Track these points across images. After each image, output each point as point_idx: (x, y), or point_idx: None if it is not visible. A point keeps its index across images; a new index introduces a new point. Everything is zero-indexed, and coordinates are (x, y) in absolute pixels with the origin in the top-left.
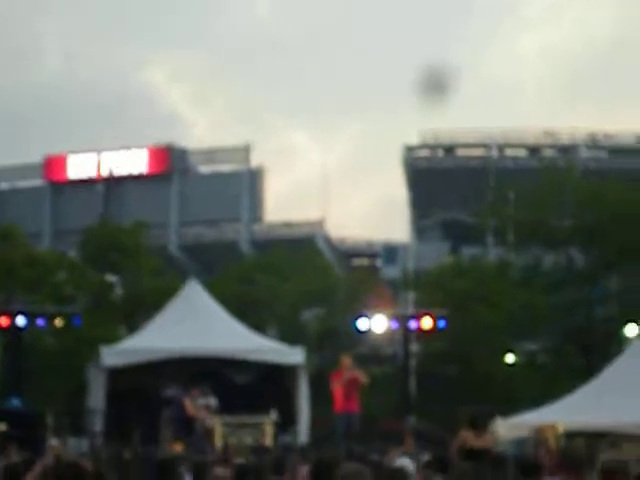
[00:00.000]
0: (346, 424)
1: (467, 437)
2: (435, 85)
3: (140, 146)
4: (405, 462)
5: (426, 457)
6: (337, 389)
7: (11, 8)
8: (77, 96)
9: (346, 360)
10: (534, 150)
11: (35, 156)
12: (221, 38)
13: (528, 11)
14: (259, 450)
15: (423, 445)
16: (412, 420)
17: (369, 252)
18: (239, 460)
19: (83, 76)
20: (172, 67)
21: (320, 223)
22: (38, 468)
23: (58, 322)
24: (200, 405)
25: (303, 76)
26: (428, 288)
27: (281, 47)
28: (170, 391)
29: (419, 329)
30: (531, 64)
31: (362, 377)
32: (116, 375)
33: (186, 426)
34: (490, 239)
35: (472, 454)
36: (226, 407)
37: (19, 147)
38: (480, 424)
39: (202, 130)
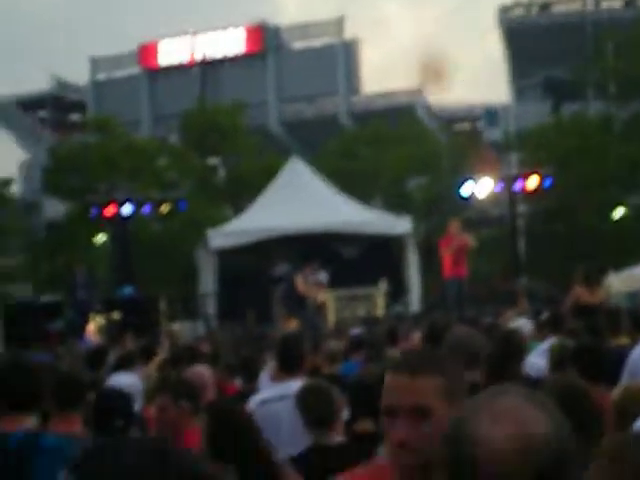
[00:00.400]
0: (457, 289)
1: (581, 293)
2: None
3: (232, 26)
4: (521, 323)
5: (542, 316)
6: (446, 255)
7: None
8: None
9: (454, 225)
10: (630, 1)
11: (128, 44)
12: None
13: None
14: (372, 321)
15: (537, 304)
16: (523, 280)
17: (470, 116)
18: (353, 331)
19: None
20: None
21: (419, 90)
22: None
23: (164, 208)
24: (311, 281)
25: None
26: (531, 148)
27: None
28: (280, 269)
29: (524, 189)
30: None
31: (470, 241)
32: (225, 257)
33: (298, 303)
34: (591, 94)
35: (586, 310)
36: (336, 281)
37: (114, 36)
38: (593, 280)
39: (292, 5)
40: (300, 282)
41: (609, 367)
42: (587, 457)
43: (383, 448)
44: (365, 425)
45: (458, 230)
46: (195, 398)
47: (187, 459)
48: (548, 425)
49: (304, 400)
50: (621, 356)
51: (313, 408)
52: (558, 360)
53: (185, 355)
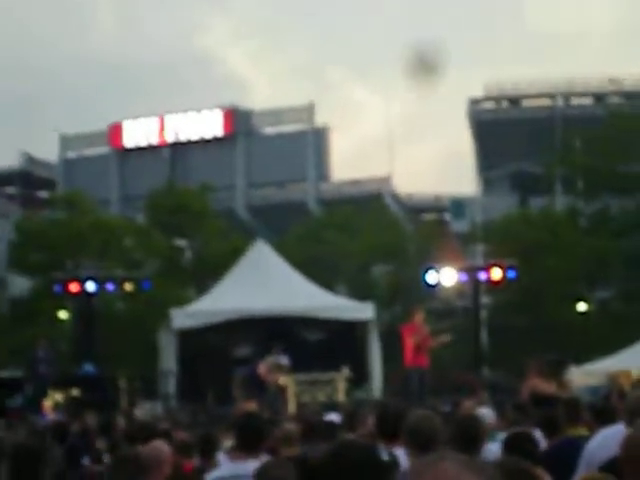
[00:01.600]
0: (418, 378)
1: (536, 384)
2: None
3: (204, 109)
4: (484, 412)
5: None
6: (409, 343)
7: None
8: (136, 62)
9: (419, 315)
10: (599, 98)
11: (100, 124)
12: None
13: None
14: (332, 407)
15: (499, 396)
16: (485, 372)
17: (437, 206)
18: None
19: (140, 41)
20: (228, 29)
21: (387, 179)
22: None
23: (128, 287)
24: (273, 364)
25: (362, 30)
26: (497, 240)
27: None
28: (242, 351)
29: (489, 280)
30: (594, 12)
31: (433, 343)
32: (187, 337)
33: (259, 386)
34: (559, 188)
35: (543, 400)
36: (298, 365)
37: (83, 115)
38: (548, 372)
39: (263, 90)
40: (262, 366)
41: (564, 457)
42: None
43: None
44: None
45: (422, 320)
46: (148, 475)
47: None
48: None
49: (263, 476)
50: (577, 447)
51: None
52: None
53: (142, 432)
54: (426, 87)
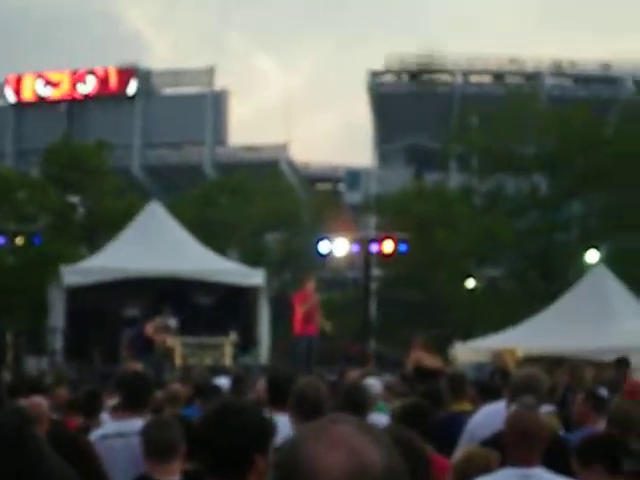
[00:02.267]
0: (306, 346)
1: (420, 357)
2: None
3: (104, 66)
4: (371, 382)
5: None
6: (299, 312)
7: None
8: (35, 18)
9: (310, 283)
10: (499, 77)
11: None
12: None
13: None
14: (219, 370)
15: (385, 368)
16: (372, 344)
17: (332, 177)
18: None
19: None
20: None
21: (284, 147)
22: None
23: (19, 240)
24: (160, 325)
25: None
26: (390, 212)
27: None
28: (130, 311)
29: (380, 253)
30: None
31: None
32: (77, 294)
33: (146, 346)
34: (453, 165)
35: (427, 374)
36: (186, 328)
37: None
38: (433, 346)
39: (164, 51)
40: (149, 326)
41: (447, 431)
42: None
43: None
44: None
45: (313, 289)
46: None
47: None
48: (383, 456)
49: (149, 431)
50: (461, 421)
51: (158, 439)
52: (397, 421)
53: (24, 386)
54: None
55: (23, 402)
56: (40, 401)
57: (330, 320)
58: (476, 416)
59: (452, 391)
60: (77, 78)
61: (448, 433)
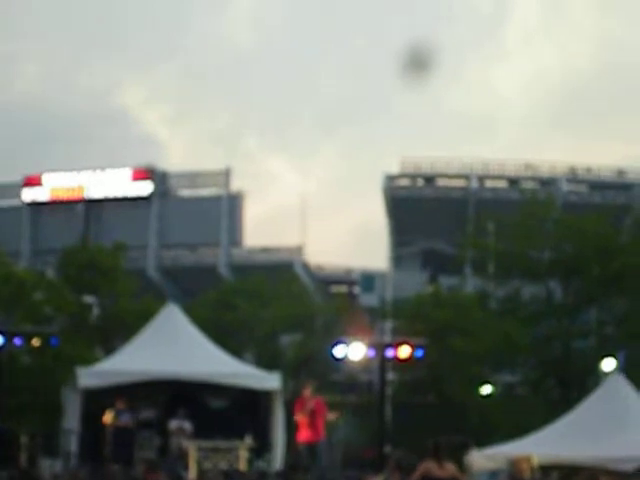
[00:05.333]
0: (309, 453)
1: (430, 468)
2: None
3: (120, 168)
4: None
5: None
6: (301, 419)
7: None
8: (51, 118)
9: (307, 389)
10: (514, 182)
11: (14, 175)
12: (193, 57)
13: (505, 41)
14: (233, 475)
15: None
16: (388, 449)
17: (347, 279)
18: None
19: (56, 98)
20: (146, 89)
21: (299, 249)
22: None
23: (35, 342)
24: (174, 427)
25: (281, 98)
26: (406, 317)
27: (256, 68)
28: (146, 413)
29: (396, 358)
30: (510, 95)
31: (324, 410)
32: (91, 396)
33: (160, 450)
34: (469, 270)
35: None
36: (201, 431)
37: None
38: (442, 453)
39: (178, 152)
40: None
41: None
42: None
43: None
44: None
45: (310, 394)
46: None
47: None
48: None
49: None
50: None
51: None
52: None
53: None
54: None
55: None
56: None
57: (345, 423)
58: None
59: None
60: (93, 179)
61: None
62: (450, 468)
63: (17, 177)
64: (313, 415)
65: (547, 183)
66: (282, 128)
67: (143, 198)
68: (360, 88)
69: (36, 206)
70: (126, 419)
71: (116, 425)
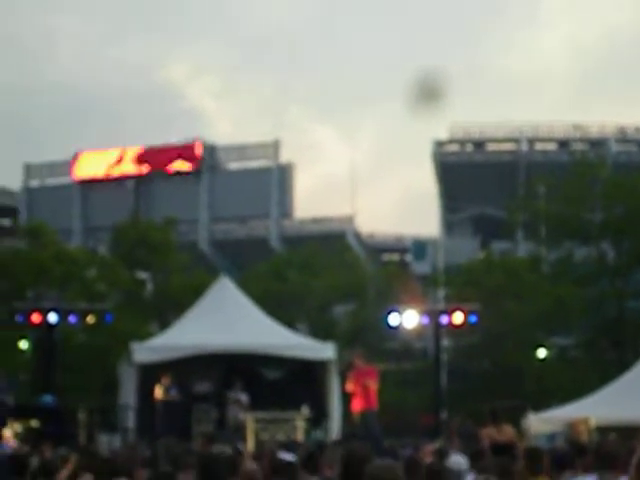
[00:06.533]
0: (366, 424)
1: (491, 433)
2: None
3: (168, 142)
4: (458, 460)
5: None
6: (354, 388)
7: (22, 7)
8: (97, 95)
9: (358, 359)
10: (564, 144)
11: (62, 154)
12: (238, 30)
13: (550, 3)
14: (292, 446)
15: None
16: (444, 416)
17: (399, 247)
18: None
19: (100, 76)
20: (192, 62)
21: (350, 218)
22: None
23: (90, 319)
24: (232, 399)
25: (327, 67)
26: (459, 284)
27: (300, 39)
28: (202, 387)
29: (450, 324)
30: (557, 58)
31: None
32: (147, 371)
33: (218, 423)
34: (520, 234)
35: (499, 449)
36: (257, 403)
37: (46, 145)
38: (499, 418)
39: (225, 127)
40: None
41: None
42: None
43: None
44: None
45: (362, 360)
46: None
47: None
48: None
49: None
50: None
51: None
52: None
53: (104, 469)
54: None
55: None
56: None
57: (400, 390)
58: None
59: (528, 466)
60: (143, 154)
61: None
62: (509, 432)
63: (65, 155)
64: (366, 384)
65: (596, 144)
66: (328, 98)
67: (192, 172)
68: (404, 52)
69: (86, 183)
70: (174, 393)
71: (165, 400)
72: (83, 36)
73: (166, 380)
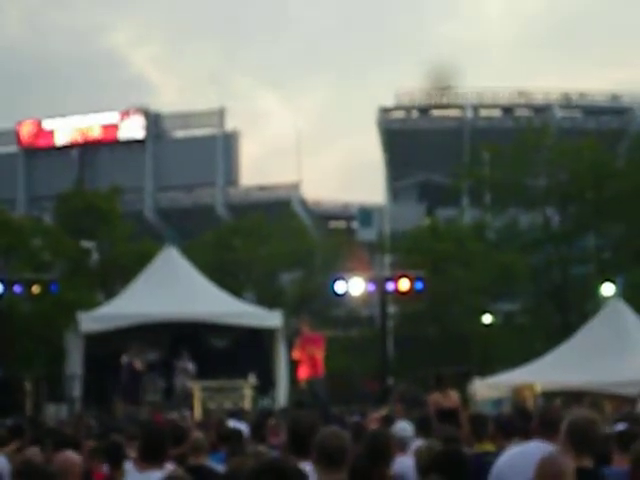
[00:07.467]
0: (313, 391)
1: (437, 399)
2: None
3: (112, 110)
4: (403, 426)
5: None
6: (299, 355)
7: None
8: (41, 61)
9: (304, 326)
10: (508, 110)
11: (6, 121)
12: None
13: None
14: (238, 414)
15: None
16: (390, 381)
17: (345, 214)
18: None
19: (44, 41)
20: (137, 30)
21: (295, 186)
22: None
23: (35, 289)
24: (179, 368)
25: (271, 35)
26: (405, 251)
27: (242, 5)
28: (149, 356)
29: (396, 291)
30: (502, 24)
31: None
32: (94, 341)
33: (165, 391)
34: (466, 200)
35: (444, 415)
36: (205, 372)
37: None
38: (444, 384)
39: (170, 95)
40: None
41: (472, 474)
42: None
43: None
44: None
45: (309, 328)
46: None
47: None
48: None
49: None
50: (485, 463)
51: None
52: (425, 464)
53: (50, 439)
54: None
55: (55, 457)
56: (72, 456)
57: (347, 357)
58: (501, 459)
59: (474, 432)
60: (87, 122)
61: (473, 476)
62: (454, 398)
63: (8, 124)
64: (312, 351)
65: (541, 110)
66: (273, 65)
67: (137, 141)
68: (347, 19)
69: (30, 152)
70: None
71: (130, 369)
72: (27, 1)
73: (138, 349)
